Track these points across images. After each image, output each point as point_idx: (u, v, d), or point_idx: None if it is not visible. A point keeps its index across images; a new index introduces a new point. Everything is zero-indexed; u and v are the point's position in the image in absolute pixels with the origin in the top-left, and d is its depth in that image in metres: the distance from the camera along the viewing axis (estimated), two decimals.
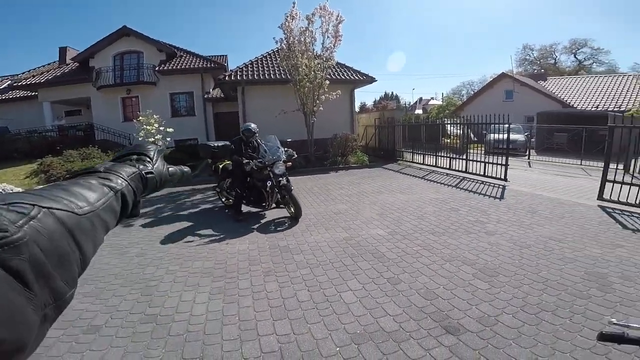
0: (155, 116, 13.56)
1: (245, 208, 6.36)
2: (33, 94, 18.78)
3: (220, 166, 6.74)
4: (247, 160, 5.88)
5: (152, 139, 13.23)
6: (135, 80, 18.34)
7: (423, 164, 12.00)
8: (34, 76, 18.51)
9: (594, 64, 41.24)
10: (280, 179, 5.81)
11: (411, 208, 6.43)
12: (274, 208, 6.44)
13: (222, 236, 5.31)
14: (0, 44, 78.33)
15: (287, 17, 11.17)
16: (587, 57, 41.74)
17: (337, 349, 2.50)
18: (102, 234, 0.47)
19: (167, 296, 3.49)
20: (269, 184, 5.82)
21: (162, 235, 5.54)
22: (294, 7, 11.16)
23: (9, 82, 20.47)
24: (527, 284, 3.31)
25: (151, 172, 0.62)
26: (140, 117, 13.55)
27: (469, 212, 5.96)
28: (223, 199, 7.17)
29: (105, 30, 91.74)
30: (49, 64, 21.12)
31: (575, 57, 42.58)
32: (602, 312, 2.76)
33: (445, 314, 2.86)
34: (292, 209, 5.93)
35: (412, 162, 12.78)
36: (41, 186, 0.47)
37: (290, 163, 6.23)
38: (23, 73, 20.11)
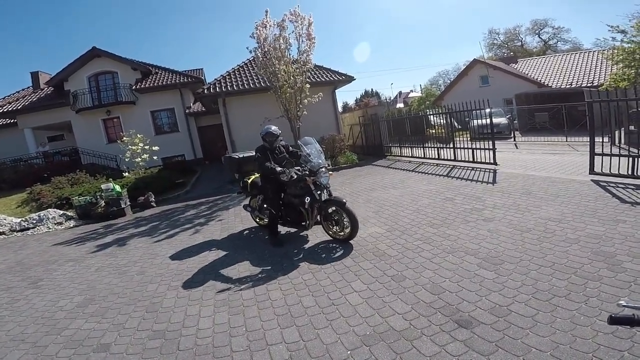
0: (139, 135, 13.43)
1: (283, 228, 5.47)
2: (12, 121, 18.51)
3: (249, 181, 5.84)
4: (280, 169, 4.85)
5: (139, 159, 13.07)
6: (114, 101, 18.21)
7: (411, 156, 12.06)
8: (9, 103, 18.22)
9: (559, 42, 42.82)
10: (325, 191, 4.77)
11: (406, 202, 6.40)
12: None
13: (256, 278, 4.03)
14: None
15: (258, 26, 11.04)
16: (550, 36, 43.32)
17: (348, 352, 2.45)
18: None
19: (172, 312, 3.47)
20: (307, 199, 4.70)
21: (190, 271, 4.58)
22: (266, 16, 11.03)
23: None
24: (534, 269, 3.25)
25: None
26: (125, 138, 13.41)
27: (464, 201, 5.95)
28: (257, 220, 6.18)
29: (74, 51, 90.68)
30: (22, 90, 20.94)
31: (539, 37, 44.13)
32: (616, 294, 2.67)
33: (455, 308, 2.80)
34: (343, 229, 4.65)
35: (400, 156, 12.81)
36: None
37: (331, 173, 5.14)
38: None
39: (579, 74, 21.80)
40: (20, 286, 4.85)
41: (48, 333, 3.34)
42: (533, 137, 13.48)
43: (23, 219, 9.50)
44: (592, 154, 6.58)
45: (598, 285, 2.84)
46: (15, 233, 8.93)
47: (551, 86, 22.09)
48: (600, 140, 6.64)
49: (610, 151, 6.42)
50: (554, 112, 14.75)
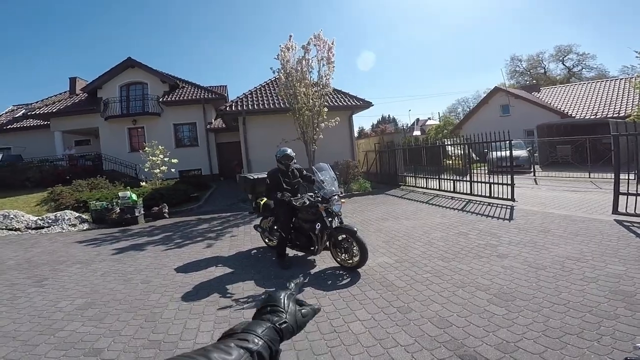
0: (160, 147, 13.75)
1: (290, 251, 5.44)
2: (45, 123, 19.16)
3: (262, 202, 5.75)
4: (290, 198, 4.93)
5: (157, 170, 13.33)
6: (141, 111, 18.74)
7: (426, 188, 11.87)
8: (46, 105, 18.99)
9: (583, 69, 41.00)
10: (336, 218, 4.80)
11: (418, 234, 6.26)
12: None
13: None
14: (13, 72, 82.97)
15: (283, 48, 11.30)
16: (575, 63, 41.57)
17: None
18: None
19: (171, 323, 3.45)
20: (318, 226, 4.70)
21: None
22: (290, 39, 11.32)
23: (24, 110, 21.06)
24: (547, 307, 3.14)
25: (285, 322, 0.69)
26: (146, 148, 13.73)
27: (478, 236, 5.78)
28: (266, 240, 6.13)
29: (110, 59, 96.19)
30: (60, 94, 21.85)
31: (563, 64, 42.44)
32: (633, 333, 2.57)
33: (461, 342, 2.70)
34: (352, 257, 4.59)
35: (415, 186, 12.62)
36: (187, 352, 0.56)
37: (344, 200, 5.14)
38: (36, 102, 20.77)
39: (605, 104, 20.76)
40: (25, 284, 4.92)
41: (42, 332, 3.36)
42: (554, 172, 13.05)
43: (40, 217, 9.77)
44: (617, 193, 6.30)
45: (613, 324, 2.74)
46: (29, 230, 9.18)
47: (575, 116, 21.10)
48: (626, 177, 6.35)
49: (637, 190, 6.12)
50: (577, 145, 14.28)
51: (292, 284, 0.83)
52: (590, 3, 58.89)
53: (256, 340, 0.61)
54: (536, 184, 11.79)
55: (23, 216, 9.85)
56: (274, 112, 14.01)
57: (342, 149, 14.75)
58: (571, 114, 21.66)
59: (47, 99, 21.13)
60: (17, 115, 21.52)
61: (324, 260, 5.11)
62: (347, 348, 2.78)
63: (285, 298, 0.74)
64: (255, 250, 6.09)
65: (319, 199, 4.82)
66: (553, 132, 17.79)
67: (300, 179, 5.33)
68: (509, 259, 4.50)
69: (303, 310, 0.74)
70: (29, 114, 18.85)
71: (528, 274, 3.94)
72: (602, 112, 20.16)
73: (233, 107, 14.17)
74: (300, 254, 5.43)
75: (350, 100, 15.30)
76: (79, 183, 13.06)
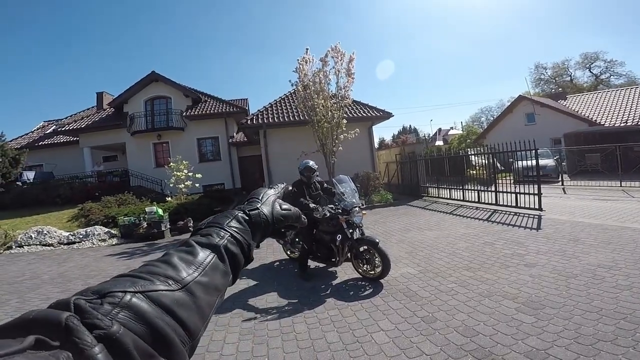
0: (184, 162, 14.00)
1: (312, 263, 5.45)
2: (74, 139, 19.63)
3: None
4: (314, 205, 4.86)
5: (182, 185, 13.64)
6: (165, 126, 18.88)
7: (450, 198, 11.63)
8: (75, 121, 19.43)
9: (612, 77, 39.14)
10: (357, 230, 4.78)
11: (442, 245, 6.15)
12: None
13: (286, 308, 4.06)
14: (45, 86, 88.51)
15: (301, 61, 11.35)
16: (602, 70, 39.66)
17: None
18: (210, 297, 0.46)
19: None
20: (338, 237, 4.68)
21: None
22: (307, 52, 11.40)
23: (54, 126, 21.64)
24: (578, 314, 3.04)
25: (256, 209, 0.60)
26: (171, 163, 14.02)
27: (504, 246, 5.64)
28: (288, 252, 6.21)
29: (135, 72, 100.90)
30: (87, 109, 22.49)
31: (590, 71, 40.53)
32: None
33: (488, 351, 2.64)
34: (374, 268, 4.60)
35: (438, 197, 12.39)
36: (146, 261, 0.48)
37: (365, 212, 5.20)
38: (65, 118, 21.39)
39: (635, 111, 19.96)
40: (59, 298, 5.06)
41: None
42: (583, 182, 12.65)
43: (71, 233, 10.20)
44: None
45: None
46: (62, 246, 9.58)
47: (604, 124, 20.32)
48: None
49: None
50: (607, 154, 13.76)
51: (281, 186, 0.74)
52: (618, 8, 57.08)
53: (221, 234, 0.53)
54: (564, 193, 11.39)
55: (55, 232, 10.30)
56: (294, 124, 14.06)
57: (362, 161, 14.62)
58: (600, 122, 20.85)
59: (75, 114, 21.75)
60: (48, 132, 22.07)
61: (345, 272, 5.10)
62: (370, 358, 2.75)
63: (264, 193, 0.65)
64: (277, 263, 6.13)
65: (340, 210, 4.83)
66: (581, 141, 17.17)
67: (321, 191, 5.38)
68: (537, 268, 4.37)
69: (284, 206, 0.65)
70: (58, 129, 19.37)
71: (558, 283, 3.82)
72: (633, 119, 19.34)
73: (254, 120, 14.30)
74: (322, 265, 5.42)
75: (370, 111, 15.19)
76: (108, 199, 13.50)
